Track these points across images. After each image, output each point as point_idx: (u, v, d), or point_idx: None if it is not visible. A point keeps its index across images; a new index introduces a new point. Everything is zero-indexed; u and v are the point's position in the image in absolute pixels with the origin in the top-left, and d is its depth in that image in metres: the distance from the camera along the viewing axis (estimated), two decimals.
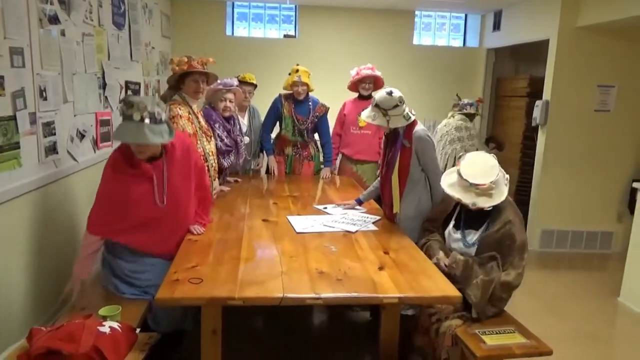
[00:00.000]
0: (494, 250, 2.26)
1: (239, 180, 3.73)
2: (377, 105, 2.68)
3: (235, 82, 3.43)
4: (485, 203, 2.25)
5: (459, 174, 2.32)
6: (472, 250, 2.34)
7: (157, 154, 2.24)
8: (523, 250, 2.26)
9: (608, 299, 3.88)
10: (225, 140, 3.22)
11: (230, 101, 3.30)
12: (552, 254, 4.97)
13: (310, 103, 3.95)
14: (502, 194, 2.27)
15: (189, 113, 2.79)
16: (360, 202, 3.13)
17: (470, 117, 4.76)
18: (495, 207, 2.30)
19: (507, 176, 2.36)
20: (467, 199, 2.27)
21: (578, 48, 4.68)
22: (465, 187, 2.29)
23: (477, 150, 4.80)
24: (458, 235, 2.42)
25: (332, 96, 5.85)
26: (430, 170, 2.81)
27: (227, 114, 3.31)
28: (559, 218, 4.99)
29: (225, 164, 3.33)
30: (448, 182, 2.38)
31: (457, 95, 5.21)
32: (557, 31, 4.67)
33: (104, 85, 3.61)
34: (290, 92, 3.90)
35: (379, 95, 2.71)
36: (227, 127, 3.23)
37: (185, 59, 2.79)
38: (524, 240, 2.28)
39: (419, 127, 2.78)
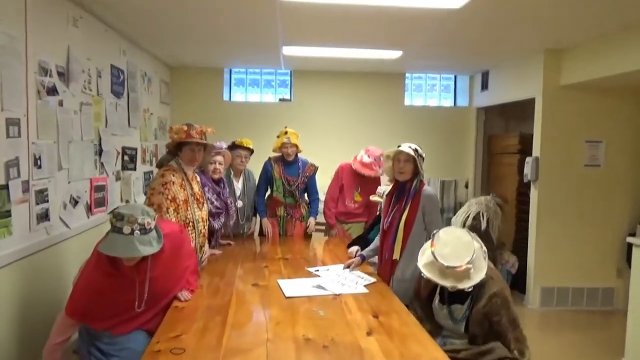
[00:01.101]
0: (483, 326, 2.18)
1: (232, 243, 3.73)
2: (410, 147, 2.84)
3: (224, 145, 3.51)
4: (465, 284, 2.15)
5: (434, 256, 2.20)
6: (461, 326, 2.27)
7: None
8: (517, 322, 2.20)
9: None
10: (215, 202, 3.25)
11: (219, 164, 3.36)
12: (553, 313, 4.86)
13: (299, 164, 4.02)
14: (481, 271, 2.17)
15: (183, 180, 2.84)
16: (363, 258, 3.13)
17: None
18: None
19: (485, 249, 2.27)
20: (446, 282, 2.16)
21: (564, 105, 4.81)
22: (442, 269, 2.18)
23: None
24: (445, 311, 2.35)
25: (326, 157, 5.95)
26: (433, 229, 2.83)
27: (216, 177, 3.36)
28: (558, 275, 4.92)
29: (216, 225, 3.35)
30: (423, 262, 2.28)
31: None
32: (541, 90, 4.82)
33: (100, 152, 3.71)
34: (280, 154, 3.98)
35: (410, 144, 2.89)
36: (216, 189, 3.27)
37: (185, 128, 2.84)
38: (514, 314, 2.20)
39: (428, 187, 2.95)
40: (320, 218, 4.31)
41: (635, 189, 4.88)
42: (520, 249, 5.39)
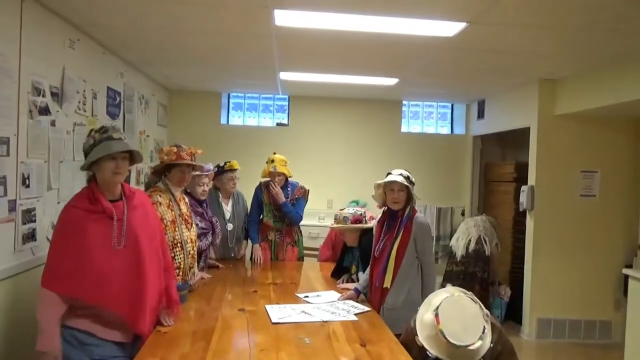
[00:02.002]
0: None
1: (221, 266, 3.67)
2: (401, 175, 2.79)
3: (211, 167, 3.49)
4: (478, 356, 1.92)
5: (443, 335, 1.90)
6: None
7: (118, 195, 2.19)
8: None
9: None
10: (200, 224, 3.21)
11: (207, 185, 3.35)
12: (550, 345, 4.75)
13: (289, 188, 3.99)
14: (487, 342, 1.94)
15: (170, 200, 2.81)
16: (359, 293, 3.00)
17: None
18: None
19: (487, 312, 2.04)
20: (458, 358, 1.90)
21: (558, 135, 4.83)
22: (453, 349, 1.89)
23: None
24: None
25: (321, 182, 5.98)
26: (425, 258, 2.87)
27: (203, 198, 3.34)
28: (555, 306, 4.84)
29: (203, 246, 3.29)
30: (425, 335, 1.99)
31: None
32: (536, 119, 4.84)
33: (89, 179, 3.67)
34: (268, 180, 3.95)
35: (401, 170, 2.85)
36: (198, 211, 3.24)
37: (175, 149, 2.84)
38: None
39: (420, 215, 2.91)
40: (311, 243, 4.25)
41: (630, 219, 4.85)
42: (516, 278, 5.32)
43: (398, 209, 2.84)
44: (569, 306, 4.85)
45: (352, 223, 3.30)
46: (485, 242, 5.34)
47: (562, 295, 4.84)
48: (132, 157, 2.24)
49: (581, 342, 4.82)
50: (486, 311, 2.02)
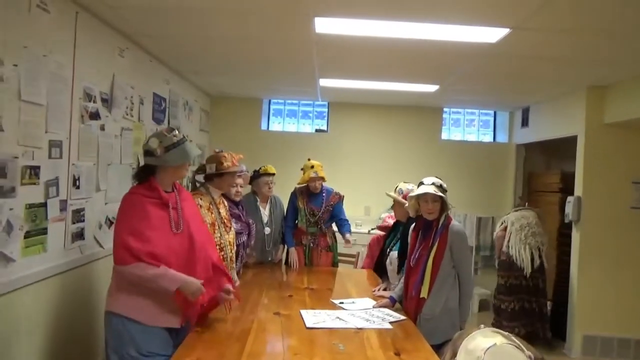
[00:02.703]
0: None
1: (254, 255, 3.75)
2: (434, 184, 2.75)
3: (244, 168, 3.57)
4: None
5: None
6: None
7: (170, 189, 2.40)
8: None
9: None
10: (236, 225, 3.27)
11: (240, 186, 3.41)
12: None
13: (324, 194, 4.03)
14: None
15: (210, 203, 2.89)
16: (394, 301, 2.98)
17: None
18: None
19: (530, 354, 1.97)
20: None
21: (607, 144, 4.63)
22: None
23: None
24: None
25: (359, 189, 5.96)
26: (462, 266, 2.82)
27: (238, 199, 3.41)
28: (602, 322, 4.61)
29: (238, 245, 3.35)
30: None
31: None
32: (584, 128, 4.67)
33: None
34: (306, 185, 3.99)
35: (433, 179, 2.80)
36: (235, 213, 3.30)
37: (221, 158, 3.00)
38: None
39: (456, 222, 2.86)
40: (348, 250, 4.24)
41: None
42: (561, 291, 5.11)
43: (433, 219, 2.80)
44: (617, 323, 4.62)
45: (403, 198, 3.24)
46: (541, 249, 4.96)
47: (611, 311, 4.61)
48: None
49: None
50: (529, 353, 1.92)
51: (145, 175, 2.34)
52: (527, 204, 5.28)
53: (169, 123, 4.55)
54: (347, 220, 4.17)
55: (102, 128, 3.20)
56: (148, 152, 2.32)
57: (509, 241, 4.79)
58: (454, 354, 1.98)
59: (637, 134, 4.60)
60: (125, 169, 3.57)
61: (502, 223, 4.97)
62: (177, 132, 2.37)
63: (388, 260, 3.39)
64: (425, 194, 2.74)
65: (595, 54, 3.53)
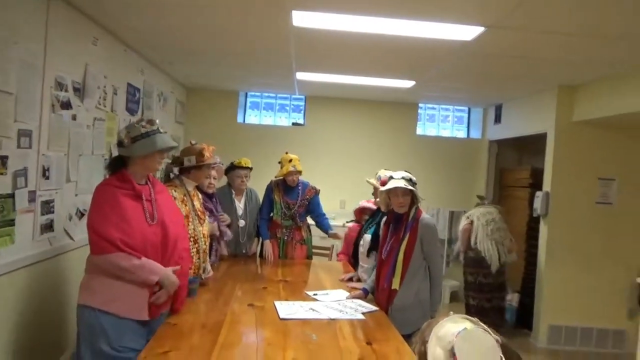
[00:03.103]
0: None
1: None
2: (404, 178, 2.81)
3: (218, 159, 3.55)
4: None
5: None
6: None
7: (144, 181, 2.37)
8: None
9: None
10: (209, 220, 3.26)
11: (214, 178, 3.40)
12: (560, 352, 4.71)
13: (300, 187, 4.04)
14: None
15: (184, 195, 2.88)
16: (367, 293, 3.03)
17: None
18: None
19: (498, 338, 2.05)
20: None
21: (576, 141, 4.78)
22: None
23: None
24: None
25: (335, 183, 6.00)
26: (432, 258, 2.88)
27: (211, 191, 3.39)
28: (567, 313, 4.79)
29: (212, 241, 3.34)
30: None
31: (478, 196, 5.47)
32: (554, 125, 4.80)
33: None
34: (282, 178, 4.00)
35: (402, 173, 2.86)
36: (208, 207, 3.28)
37: (197, 149, 2.97)
38: None
39: (426, 215, 2.90)
40: (323, 242, 4.28)
41: None
42: (529, 283, 5.27)
43: (403, 212, 2.86)
44: (581, 314, 4.79)
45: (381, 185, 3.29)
46: (504, 244, 5.07)
47: (575, 302, 4.78)
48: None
49: (593, 351, 4.77)
50: (496, 337, 1.99)
51: (117, 166, 2.32)
52: (486, 202, 5.35)
53: (143, 114, 4.49)
54: (325, 216, 4.20)
55: (74, 118, 3.14)
56: (119, 143, 2.32)
57: (476, 237, 4.87)
58: (424, 342, 2.05)
59: (604, 132, 4.76)
60: (97, 159, 3.52)
61: (467, 217, 5.02)
62: (150, 123, 2.31)
63: (361, 242, 3.46)
64: (396, 188, 2.79)
65: (567, 54, 3.63)
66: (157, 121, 2.35)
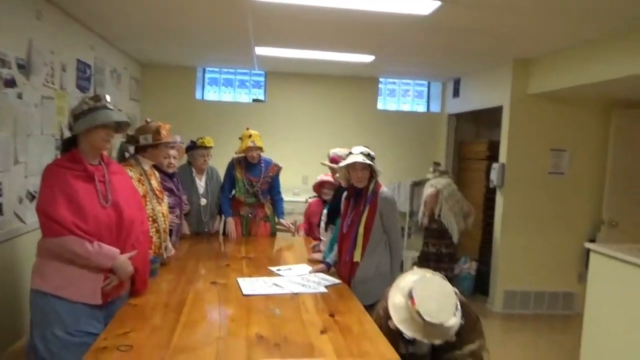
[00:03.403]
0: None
1: (188, 232, 3.73)
2: (362, 153, 2.82)
3: (179, 139, 3.48)
4: (441, 338, 1.96)
5: (420, 316, 1.93)
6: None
7: (97, 162, 2.27)
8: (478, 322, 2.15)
9: None
10: (169, 199, 3.21)
11: (174, 157, 3.34)
12: (515, 316, 4.95)
13: (262, 164, 4.01)
14: (455, 324, 1.97)
15: (141, 175, 2.81)
16: (329, 266, 3.07)
17: None
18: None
19: (456, 290, 2.09)
20: (435, 339, 1.96)
21: (530, 114, 4.93)
22: (430, 327, 1.94)
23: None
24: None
25: (297, 159, 5.99)
26: (391, 231, 2.94)
27: (171, 171, 3.34)
28: (521, 279, 5.02)
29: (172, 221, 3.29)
30: (400, 318, 2.01)
31: (435, 163, 5.46)
32: (509, 98, 4.93)
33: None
34: (243, 155, 3.96)
35: (361, 148, 2.87)
36: (167, 186, 3.23)
37: (153, 127, 2.87)
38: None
39: (385, 189, 2.94)
40: (285, 218, 4.28)
41: (596, 196, 5.03)
42: (485, 252, 5.48)
43: (362, 186, 2.90)
44: (535, 279, 5.04)
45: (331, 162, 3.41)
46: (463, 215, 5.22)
47: (529, 268, 5.01)
48: (118, 127, 2.32)
49: (545, 313, 5.04)
50: (454, 288, 2.09)
51: (68, 145, 2.23)
52: (441, 168, 5.34)
53: (95, 91, 4.32)
54: (282, 198, 4.19)
55: (20, 96, 2.98)
56: (69, 122, 2.23)
57: (440, 209, 4.97)
58: (386, 299, 2.12)
59: (557, 104, 4.92)
60: (48, 140, 3.38)
61: (432, 186, 5.06)
62: (94, 99, 2.21)
63: (322, 217, 3.52)
64: (354, 163, 2.82)
65: (520, 29, 3.71)
66: (107, 97, 2.25)
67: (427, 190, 5.12)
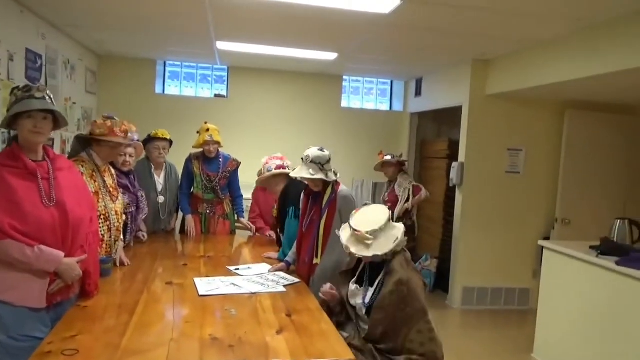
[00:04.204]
0: (387, 313, 2.18)
1: (145, 237, 3.59)
2: (312, 162, 2.78)
3: (136, 137, 3.37)
4: (361, 252, 2.26)
5: (349, 225, 2.37)
6: (365, 309, 2.33)
7: (41, 157, 2.12)
8: (423, 314, 2.19)
9: (523, 356, 3.96)
10: (124, 198, 3.10)
11: (130, 156, 3.22)
12: (473, 312, 5.07)
13: (220, 159, 3.94)
14: (381, 247, 2.26)
15: (93, 171, 2.69)
16: (289, 265, 3.05)
17: None
18: (387, 265, 2.29)
19: (398, 238, 2.30)
20: (350, 244, 2.31)
21: (488, 114, 5.04)
22: (353, 233, 2.33)
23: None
24: (360, 292, 2.39)
25: (259, 155, 5.90)
26: None
27: (126, 169, 3.22)
28: (479, 275, 5.14)
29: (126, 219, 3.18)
30: (344, 235, 2.42)
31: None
32: (468, 98, 5.02)
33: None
34: (201, 150, 3.88)
35: (312, 152, 2.82)
36: (122, 183, 3.11)
37: (109, 124, 2.70)
38: (421, 306, 2.20)
39: (344, 187, 2.93)
40: (245, 216, 4.22)
41: (551, 195, 5.19)
42: (446, 249, 5.58)
43: (319, 190, 2.89)
44: (492, 275, 5.17)
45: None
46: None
47: (487, 265, 5.14)
48: (56, 120, 2.16)
49: (502, 309, 5.17)
50: (399, 238, 2.31)
51: (9, 141, 2.11)
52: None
53: (47, 83, 4.13)
54: (241, 195, 4.11)
55: None
56: (6, 111, 2.09)
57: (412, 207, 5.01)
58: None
59: (513, 105, 5.05)
60: None
61: (410, 184, 5.07)
62: (24, 89, 2.05)
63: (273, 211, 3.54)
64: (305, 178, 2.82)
65: (478, 29, 3.78)
66: (40, 87, 2.08)
67: (407, 189, 5.05)
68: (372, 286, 2.33)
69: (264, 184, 3.59)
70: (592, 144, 5.03)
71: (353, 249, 2.28)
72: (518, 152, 5.16)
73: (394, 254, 2.30)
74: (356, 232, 2.30)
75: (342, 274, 2.57)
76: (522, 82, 4.43)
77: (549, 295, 3.87)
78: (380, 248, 2.26)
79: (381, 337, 2.20)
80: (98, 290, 2.38)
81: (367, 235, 2.27)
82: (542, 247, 4.05)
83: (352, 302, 2.43)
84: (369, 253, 2.26)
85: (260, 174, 3.55)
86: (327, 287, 2.54)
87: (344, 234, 2.39)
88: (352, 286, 2.44)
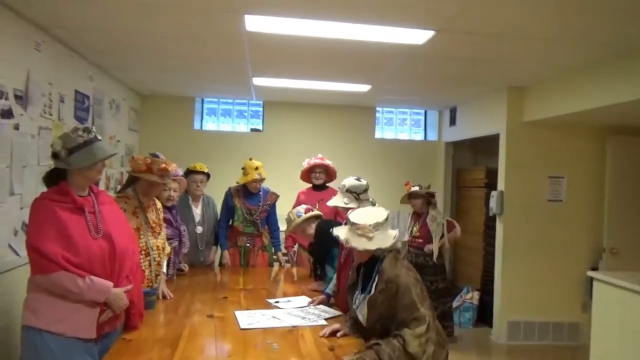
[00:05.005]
0: (385, 314, 2.16)
1: (186, 268, 3.64)
2: (348, 191, 2.82)
3: (180, 172, 3.45)
4: (363, 245, 2.21)
5: (348, 219, 2.33)
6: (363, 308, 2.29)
7: (86, 193, 2.23)
8: (414, 308, 2.11)
9: None
10: (167, 231, 3.16)
11: (174, 191, 3.29)
12: (520, 347, 4.84)
13: (260, 193, 3.99)
14: (383, 241, 2.23)
15: (136, 207, 2.75)
16: (329, 297, 3.01)
17: None
18: (379, 265, 2.25)
19: (396, 235, 2.32)
20: (351, 238, 2.25)
21: (526, 141, 4.94)
22: (351, 227, 2.29)
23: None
24: (360, 297, 2.34)
25: (295, 188, 5.96)
26: None
27: (169, 204, 3.29)
28: (525, 309, 4.93)
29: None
30: (342, 232, 2.37)
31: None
32: (505, 126, 4.95)
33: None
34: (242, 184, 3.94)
35: (348, 182, 2.88)
36: (165, 217, 3.16)
37: (148, 161, 2.74)
38: (412, 300, 2.13)
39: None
40: (282, 248, 4.24)
41: (595, 223, 4.99)
42: (487, 281, 5.40)
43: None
44: (538, 309, 4.95)
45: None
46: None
47: (532, 297, 4.93)
48: None
49: (550, 344, 4.92)
50: (396, 235, 2.32)
51: (54, 178, 2.18)
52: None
53: (94, 122, 4.33)
54: (278, 229, 4.16)
55: (16, 127, 2.98)
56: (54, 155, 2.16)
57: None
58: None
59: (552, 131, 4.94)
60: (44, 171, 3.32)
61: (444, 218, 4.86)
62: (86, 131, 2.17)
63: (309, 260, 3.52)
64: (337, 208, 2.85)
65: (512, 56, 3.76)
66: (94, 128, 2.23)
67: (441, 223, 4.75)
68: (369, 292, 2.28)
69: (296, 231, 3.49)
70: (637, 170, 4.84)
71: (354, 243, 2.23)
72: (560, 179, 5.01)
73: (385, 253, 2.28)
74: (358, 226, 2.24)
75: (349, 290, 2.51)
76: (561, 108, 4.35)
77: (602, 330, 3.66)
78: (382, 242, 2.23)
79: (380, 336, 2.16)
80: (142, 321, 2.41)
81: (370, 228, 2.23)
82: (592, 279, 3.86)
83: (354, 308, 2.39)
84: (372, 246, 2.21)
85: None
86: (327, 331, 2.43)
87: (341, 231, 2.33)
88: (360, 296, 2.38)
